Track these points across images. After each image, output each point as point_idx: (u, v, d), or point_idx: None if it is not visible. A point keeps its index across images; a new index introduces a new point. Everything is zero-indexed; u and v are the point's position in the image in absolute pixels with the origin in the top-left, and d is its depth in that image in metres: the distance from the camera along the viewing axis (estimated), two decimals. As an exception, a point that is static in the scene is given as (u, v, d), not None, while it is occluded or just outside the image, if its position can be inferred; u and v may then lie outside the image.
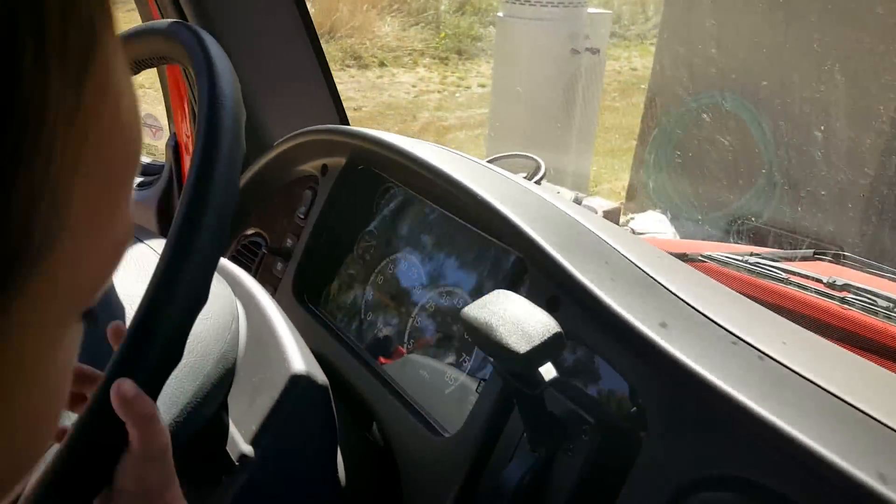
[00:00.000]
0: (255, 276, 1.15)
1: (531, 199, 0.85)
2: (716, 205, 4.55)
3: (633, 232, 4.14)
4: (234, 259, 1.18)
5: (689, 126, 4.61)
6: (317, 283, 1.06)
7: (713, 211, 4.57)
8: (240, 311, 0.80)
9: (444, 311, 0.91)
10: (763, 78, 4.22)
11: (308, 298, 1.05)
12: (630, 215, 4.52)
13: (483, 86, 8.69)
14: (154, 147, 1.64)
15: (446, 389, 0.86)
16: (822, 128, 3.83)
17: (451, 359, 0.88)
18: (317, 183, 1.09)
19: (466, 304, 0.89)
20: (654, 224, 4.43)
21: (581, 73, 4.75)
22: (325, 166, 1.07)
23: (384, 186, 1.04)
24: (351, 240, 1.06)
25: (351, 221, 1.06)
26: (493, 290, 0.86)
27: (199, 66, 0.60)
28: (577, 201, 3.95)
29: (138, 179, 1.45)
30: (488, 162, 3.96)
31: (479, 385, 0.80)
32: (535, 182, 3.62)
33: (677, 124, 4.61)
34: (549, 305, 0.71)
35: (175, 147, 1.31)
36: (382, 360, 0.95)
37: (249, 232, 1.17)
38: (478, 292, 0.87)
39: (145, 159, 1.55)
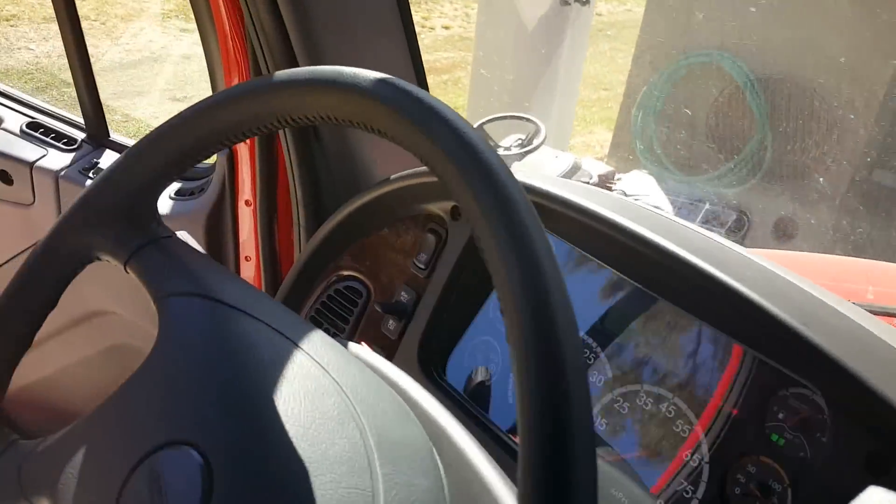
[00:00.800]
0: (355, 332, 0.95)
1: (785, 286, 0.66)
2: (704, 167, 4.44)
3: (625, 195, 4.01)
4: (325, 306, 0.97)
5: (679, 85, 4.47)
6: (443, 350, 0.87)
7: (701, 173, 4.47)
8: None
9: (641, 416, 0.73)
10: (760, 39, 4.09)
11: (436, 371, 0.86)
12: (616, 175, 4.38)
13: (447, 28, 8.39)
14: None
15: (655, 521, 0.69)
16: (822, 97, 3.72)
17: (656, 480, 0.70)
18: (440, 225, 0.89)
19: (681, 414, 0.71)
20: (641, 185, 4.30)
21: (569, 25, 4.55)
22: (455, 209, 0.87)
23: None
24: (482, 299, 0.87)
25: (487, 278, 0.86)
26: (726, 407, 0.68)
27: (488, 207, 0.40)
28: (577, 166, 3.77)
29: (177, 185, 1.22)
30: (483, 125, 3.69)
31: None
32: (535, 148, 3.42)
33: (668, 82, 4.45)
34: (871, 465, 0.54)
35: (230, 155, 1.08)
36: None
37: (344, 273, 0.96)
38: (701, 406, 0.69)
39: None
